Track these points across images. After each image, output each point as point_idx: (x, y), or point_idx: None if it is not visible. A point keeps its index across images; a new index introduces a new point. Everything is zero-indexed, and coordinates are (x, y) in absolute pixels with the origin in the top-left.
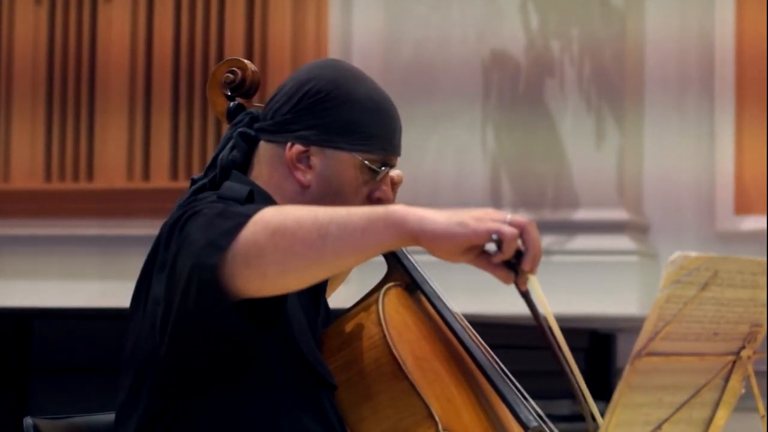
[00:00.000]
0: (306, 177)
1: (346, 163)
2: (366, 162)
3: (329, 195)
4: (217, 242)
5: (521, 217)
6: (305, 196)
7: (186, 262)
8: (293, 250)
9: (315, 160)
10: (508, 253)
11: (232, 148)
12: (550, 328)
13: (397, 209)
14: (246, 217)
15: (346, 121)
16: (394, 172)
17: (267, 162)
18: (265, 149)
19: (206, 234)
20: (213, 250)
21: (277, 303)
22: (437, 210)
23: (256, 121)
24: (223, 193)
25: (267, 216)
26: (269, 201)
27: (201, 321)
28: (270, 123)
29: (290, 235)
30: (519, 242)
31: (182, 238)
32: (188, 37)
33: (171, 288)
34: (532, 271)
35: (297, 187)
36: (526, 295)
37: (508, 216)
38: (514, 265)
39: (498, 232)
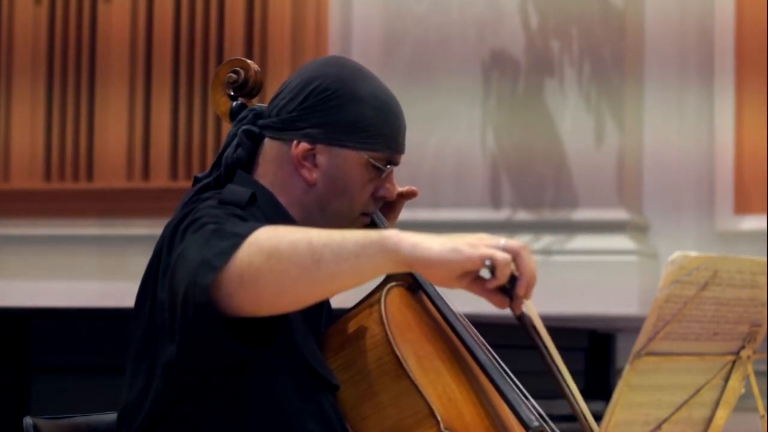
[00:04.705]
0: (312, 175)
1: (352, 161)
2: (371, 160)
3: (334, 193)
4: (211, 262)
5: (515, 242)
6: (310, 194)
7: (182, 280)
8: (288, 274)
9: (321, 158)
10: (501, 278)
11: (237, 146)
12: (547, 349)
13: (391, 235)
14: (241, 238)
15: (352, 120)
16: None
17: (272, 160)
18: (270, 147)
19: (201, 253)
20: (207, 270)
21: (274, 321)
22: (431, 235)
23: (260, 117)
24: (225, 196)
25: (262, 238)
26: (272, 202)
27: (202, 336)
28: (275, 120)
29: (285, 258)
30: (513, 267)
31: (180, 250)
32: (188, 36)
33: (171, 300)
34: (527, 296)
35: (302, 185)
36: (521, 319)
37: (502, 241)
38: (508, 290)
39: (491, 258)
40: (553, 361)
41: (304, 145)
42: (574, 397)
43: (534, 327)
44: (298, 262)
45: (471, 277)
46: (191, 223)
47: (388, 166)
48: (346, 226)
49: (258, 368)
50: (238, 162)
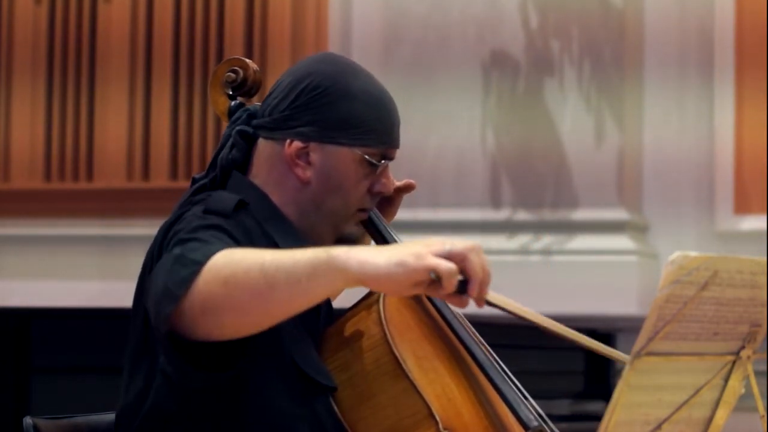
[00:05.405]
0: (306, 173)
1: (345, 157)
2: (365, 156)
3: (329, 190)
4: (172, 292)
5: (462, 245)
6: (305, 192)
7: (150, 307)
8: (245, 300)
9: (314, 156)
10: (449, 288)
11: (232, 147)
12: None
13: (339, 255)
14: (200, 265)
15: (344, 116)
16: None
17: (266, 160)
18: (263, 147)
19: (165, 280)
20: (169, 300)
21: (239, 344)
22: (380, 247)
23: (254, 117)
24: (210, 205)
25: (219, 264)
26: (266, 204)
27: (172, 363)
28: (268, 120)
29: (241, 285)
30: (466, 267)
31: (154, 270)
32: (188, 36)
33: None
34: (481, 295)
35: (297, 183)
36: (491, 305)
37: (447, 246)
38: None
39: (435, 270)
40: (538, 322)
41: (297, 144)
42: (577, 338)
43: (503, 305)
44: (253, 287)
45: (423, 285)
46: (173, 237)
47: (383, 162)
48: (342, 222)
49: (252, 374)
50: (233, 163)
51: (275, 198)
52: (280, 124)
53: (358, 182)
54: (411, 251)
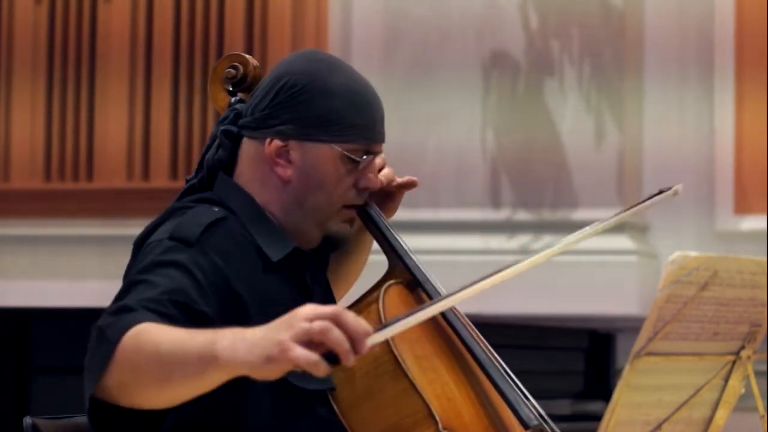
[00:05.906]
0: (286, 172)
1: (325, 155)
2: (345, 152)
3: (310, 188)
4: (92, 374)
5: (321, 321)
6: (287, 191)
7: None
8: (149, 388)
9: (294, 155)
10: (318, 374)
11: (218, 148)
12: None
13: (223, 353)
14: (113, 346)
15: (322, 113)
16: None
17: (249, 159)
18: (247, 146)
19: (89, 358)
20: (91, 380)
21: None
22: (258, 333)
23: (241, 117)
24: (176, 231)
25: (126, 347)
26: (249, 204)
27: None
28: (250, 119)
29: (144, 372)
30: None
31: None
32: (188, 36)
33: None
34: (359, 355)
35: (279, 182)
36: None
37: (306, 326)
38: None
39: (296, 365)
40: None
41: (276, 143)
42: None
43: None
44: (153, 376)
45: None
46: (134, 266)
47: (365, 157)
48: (327, 220)
49: (244, 382)
50: (219, 163)
51: (259, 198)
52: (260, 123)
53: (340, 179)
54: (276, 340)
